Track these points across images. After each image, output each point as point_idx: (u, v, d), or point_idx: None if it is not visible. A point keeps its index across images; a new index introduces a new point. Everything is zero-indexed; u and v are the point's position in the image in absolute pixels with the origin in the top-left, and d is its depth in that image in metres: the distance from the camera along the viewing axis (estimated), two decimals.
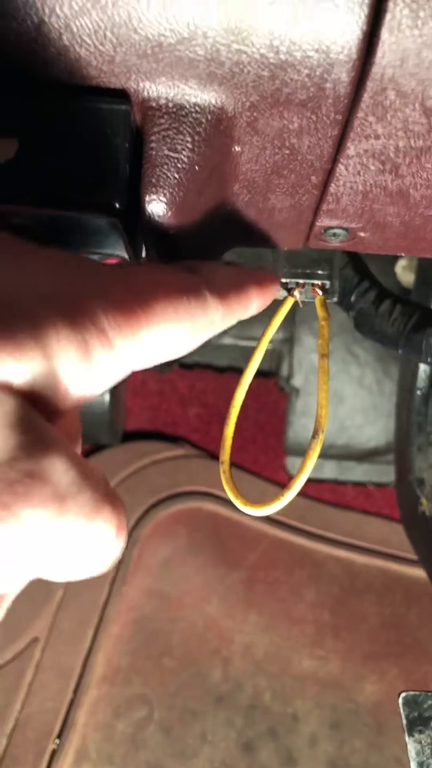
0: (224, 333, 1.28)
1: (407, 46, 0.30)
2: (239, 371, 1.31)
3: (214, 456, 1.24)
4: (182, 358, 1.20)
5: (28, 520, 0.21)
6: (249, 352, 1.42)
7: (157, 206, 0.33)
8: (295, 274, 0.53)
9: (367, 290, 0.65)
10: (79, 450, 0.32)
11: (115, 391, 1.06)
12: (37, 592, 1.08)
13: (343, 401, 1.25)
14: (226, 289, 0.32)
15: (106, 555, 0.24)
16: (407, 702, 0.63)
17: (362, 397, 1.24)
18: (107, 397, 1.05)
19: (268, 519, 1.21)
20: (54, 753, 0.96)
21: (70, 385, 0.24)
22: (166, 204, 0.33)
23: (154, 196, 0.33)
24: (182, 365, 1.27)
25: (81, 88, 0.31)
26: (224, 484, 0.49)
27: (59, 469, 0.22)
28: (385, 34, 0.29)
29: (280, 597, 1.14)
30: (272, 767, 0.97)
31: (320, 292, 0.53)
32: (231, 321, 0.32)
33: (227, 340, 1.28)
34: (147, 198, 0.33)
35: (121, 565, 1.11)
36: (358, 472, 1.29)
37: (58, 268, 0.27)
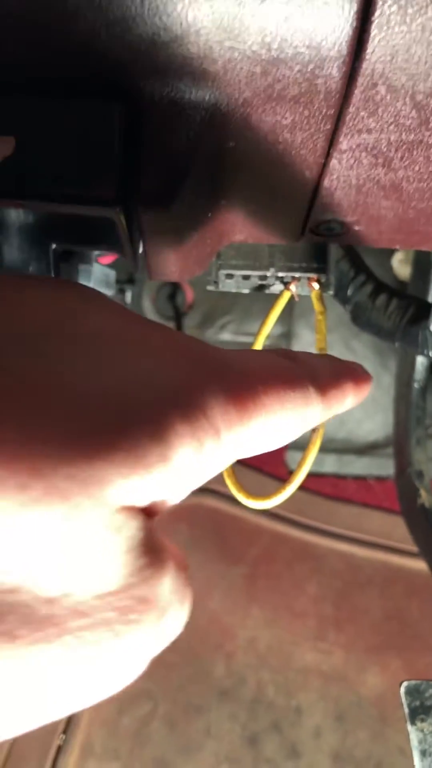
0: (222, 328, 1.29)
1: (397, 42, 0.30)
2: None
3: None
4: None
5: (133, 644, 0.21)
6: (247, 347, 1.42)
7: (153, 202, 0.34)
8: (291, 267, 0.53)
9: (363, 283, 0.66)
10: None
11: None
12: None
13: None
14: (327, 383, 0.30)
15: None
16: (409, 691, 0.64)
17: None
18: None
19: (269, 513, 1.21)
20: (59, 749, 0.96)
21: (179, 485, 0.22)
22: (161, 200, 0.34)
23: (149, 193, 0.33)
24: None
25: (75, 85, 0.32)
26: (226, 479, 0.49)
27: (167, 589, 0.21)
28: (374, 31, 0.29)
29: (281, 591, 1.15)
30: (277, 760, 0.97)
31: (316, 286, 0.53)
32: (327, 416, 0.30)
33: (226, 336, 1.28)
34: (143, 195, 0.33)
35: None
36: (358, 466, 1.30)
37: (169, 352, 0.25)
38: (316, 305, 0.52)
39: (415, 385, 0.85)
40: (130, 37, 0.29)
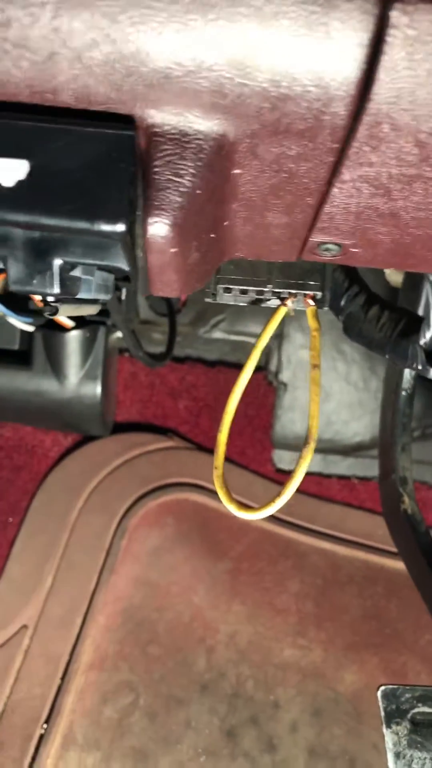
0: (215, 327, 1.30)
1: (402, 86, 0.31)
2: (229, 365, 1.33)
3: (203, 448, 1.26)
4: (174, 352, 1.21)
5: None
6: (239, 346, 1.44)
7: (159, 227, 0.35)
8: (288, 284, 0.54)
9: (357, 295, 0.67)
10: None
11: (106, 383, 1.07)
12: (27, 580, 1.10)
13: (329, 397, 1.27)
14: None
15: None
16: (386, 695, 0.66)
17: (349, 393, 1.26)
18: (98, 390, 1.06)
19: (252, 509, 1.22)
20: (41, 738, 0.97)
21: None
22: (168, 224, 0.35)
23: (156, 218, 0.34)
24: (174, 359, 1.29)
25: (89, 112, 0.33)
26: (217, 489, 0.50)
27: None
28: (381, 74, 0.31)
29: (264, 587, 1.17)
30: (254, 754, 1.00)
31: (312, 303, 0.54)
32: None
33: (217, 334, 1.29)
34: (150, 219, 0.34)
35: (110, 554, 1.13)
36: (342, 466, 1.32)
37: None
38: (311, 322, 0.53)
39: (403, 393, 0.86)
40: (144, 69, 0.30)
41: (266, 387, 1.31)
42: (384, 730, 0.63)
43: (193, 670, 1.06)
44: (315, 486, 1.30)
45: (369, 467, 1.31)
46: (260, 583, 1.17)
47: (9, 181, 0.33)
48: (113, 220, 0.33)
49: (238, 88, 0.31)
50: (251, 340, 1.28)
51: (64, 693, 1.01)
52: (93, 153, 0.32)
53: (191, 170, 0.34)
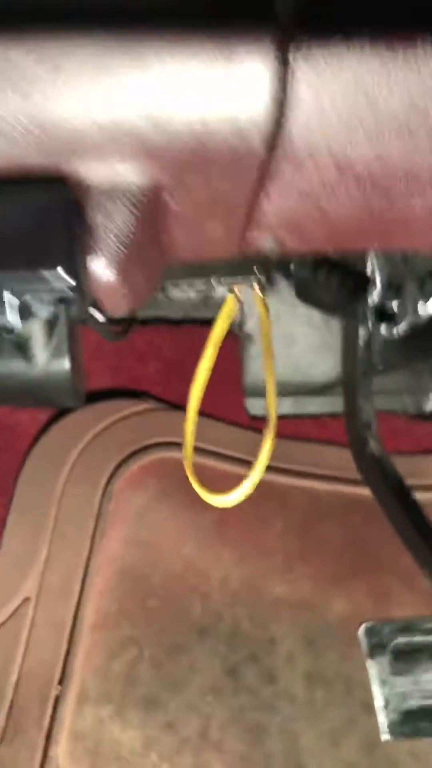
0: (174, 286, 1.31)
1: (310, 118, 0.33)
2: (193, 322, 1.34)
3: (177, 406, 1.29)
4: (137, 318, 1.22)
5: None
6: (202, 302, 1.45)
7: (101, 268, 0.37)
8: (233, 273, 0.57)
9: (305, 259, 0.69)
10: None
11: (74, 357, 1.09)
12: (24, 554, 1.14)
13: (294, 342, 1.30)
14: None
15: None
16: (367, 632, 0.72)
17: (312, 336, 1.29)
18: (67, 365, 1.08)
19: (234, 459, 1.27)
20: (57, 698, 1.04)
21: None
22: (108, 262, 0.37)
23: (97, 259, 0.37)
24: (140, 322, 1.31)
25: (24, 176, 0.35)
26: (189, 476, 0.54)
27: None
28: (288, 111, 0.33)
29: (250, 530, 1.22)
30: (255, 687, 1.07)
31: (257, 288, 0.57)
32: None
33: (177, 294, 1.31)
34: (91, 261, 0.37)
35: (99, 519, 1.18)
36: (314, 406, 1.35)
37: None
38: (260, 308, 0.56)
39: (360, 343, 0.90)
40: (64, 133, 0.32)
41: (233, 340, 1.34)
42: (368, 662, 0.69)
43: (190, 617, 1.12)
44: (290, 427, 1.34)
45: (339, 404, 1.35)
46: (246, 527, 1.22)
47: None
48: (53, 266, 0.35)
49: (157, 137, 0.33)
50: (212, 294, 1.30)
51: (73, 655, 1.07)
52: (31, 211, 0.34)
53: (124, 212, 0.36)
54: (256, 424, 1.32)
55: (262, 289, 0.57)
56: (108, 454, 1.23)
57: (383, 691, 0.68)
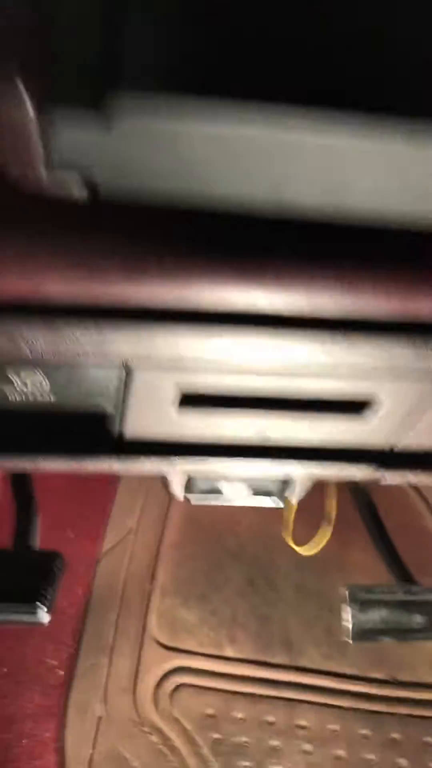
0: None
1: None
2: None
3: None
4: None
5: None
6: None
7: None
8: None
9: None
10: None
11: None
12: (128, 504, 1.75)
13: None
14: None
15: None
16: (351, 592, 1.29)
17: None
18: None
19: None
20: (149, 592, 1.68)
21: None
22: None
23: None
24: None
25: None
26: (286, 526, 1.05)
27: None
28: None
29: None
30: (264, 592, 1.71)
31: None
32: None
33: None
34: None
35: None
36: None
37: None
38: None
39: None
40: None
41: None
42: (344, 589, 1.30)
43: (227, 546, 1.76)
44: None
45: None
46: None
47: None
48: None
49: None
50: None
51: (158, 564, 1.69)
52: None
53: None
54: None
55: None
56: None
57: (351, 608, 1.26)
